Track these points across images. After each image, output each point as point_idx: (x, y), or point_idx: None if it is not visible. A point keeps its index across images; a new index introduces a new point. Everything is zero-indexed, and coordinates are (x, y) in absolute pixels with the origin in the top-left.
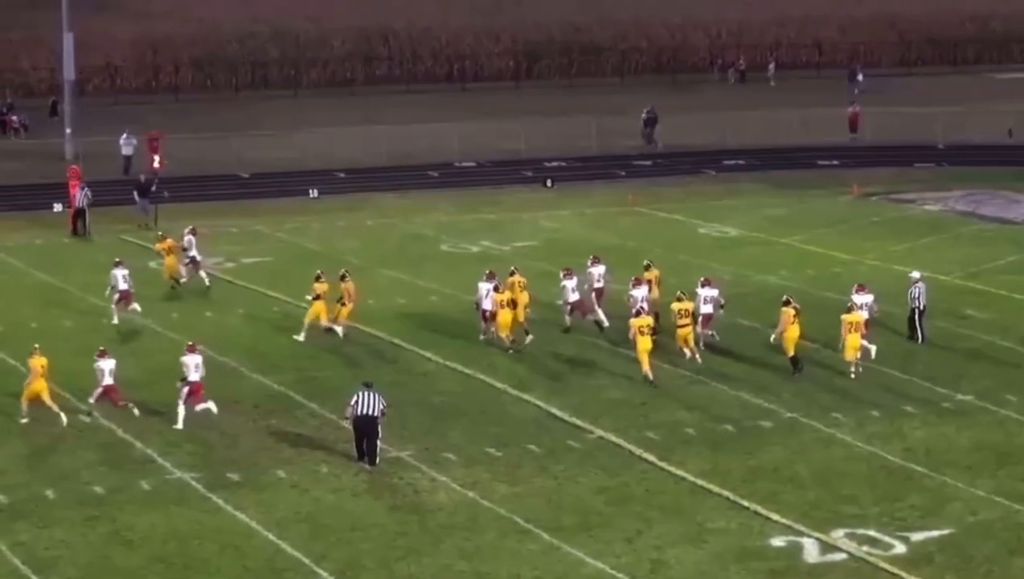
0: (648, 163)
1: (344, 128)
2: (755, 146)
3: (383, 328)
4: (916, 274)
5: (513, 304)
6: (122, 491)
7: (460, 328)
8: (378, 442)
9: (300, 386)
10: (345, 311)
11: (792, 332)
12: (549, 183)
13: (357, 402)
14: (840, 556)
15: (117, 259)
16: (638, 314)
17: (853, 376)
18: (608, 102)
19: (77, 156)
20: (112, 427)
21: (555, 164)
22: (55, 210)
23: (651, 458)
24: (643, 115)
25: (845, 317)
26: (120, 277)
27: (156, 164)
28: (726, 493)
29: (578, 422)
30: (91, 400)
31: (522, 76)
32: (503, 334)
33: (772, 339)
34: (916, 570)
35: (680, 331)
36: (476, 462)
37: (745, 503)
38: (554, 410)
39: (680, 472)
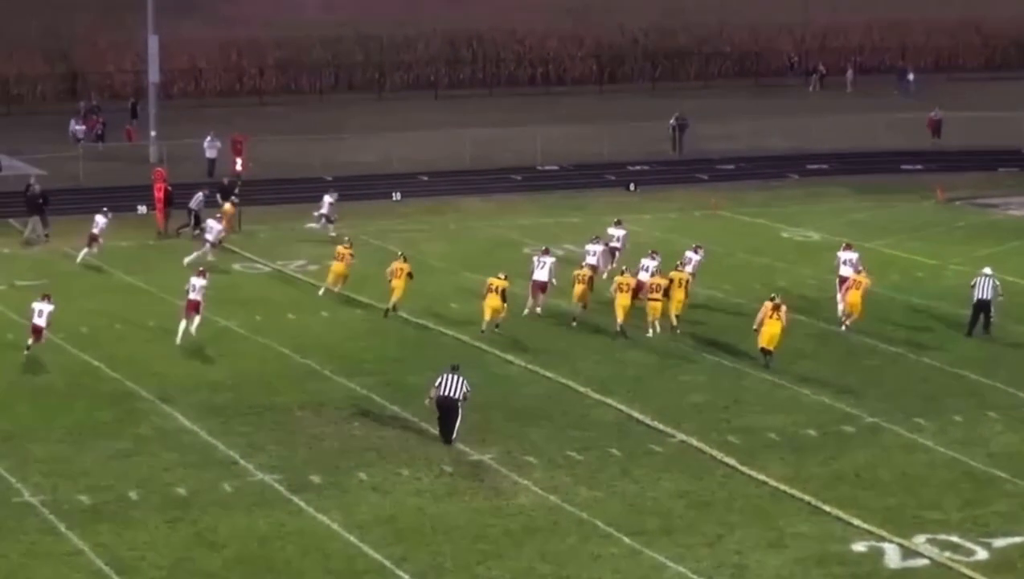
0: (731, 167)
1: (427, 131)
2: (838, 150)
3: (466, 331)
4: (988, 270)
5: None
6: (205, 493)
7: (542, 331)
8: (456, 423)
9: (383, 389)
10: (396, 290)
11: (770, 327)
12: (632, 187)
13: (441, 383)
14: (922, 562)
15: (201, 268)
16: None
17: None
18: (691, 106)
19: (161, 159)
20: (195, 429)
21: (638, 168)
22: (139, 212)
23: (732, 462)
24: (672, 121)
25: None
26: (194, 285)
27: (239, 167)
28: (807, 498)
29: (660, 426)
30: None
31: (605, 80)
32: (576, 305)
33: (754, 328)
34: (999, 576)
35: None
36: (557, 465)
37: (826, 508)
38: (635, 414)
39: (761, 477)
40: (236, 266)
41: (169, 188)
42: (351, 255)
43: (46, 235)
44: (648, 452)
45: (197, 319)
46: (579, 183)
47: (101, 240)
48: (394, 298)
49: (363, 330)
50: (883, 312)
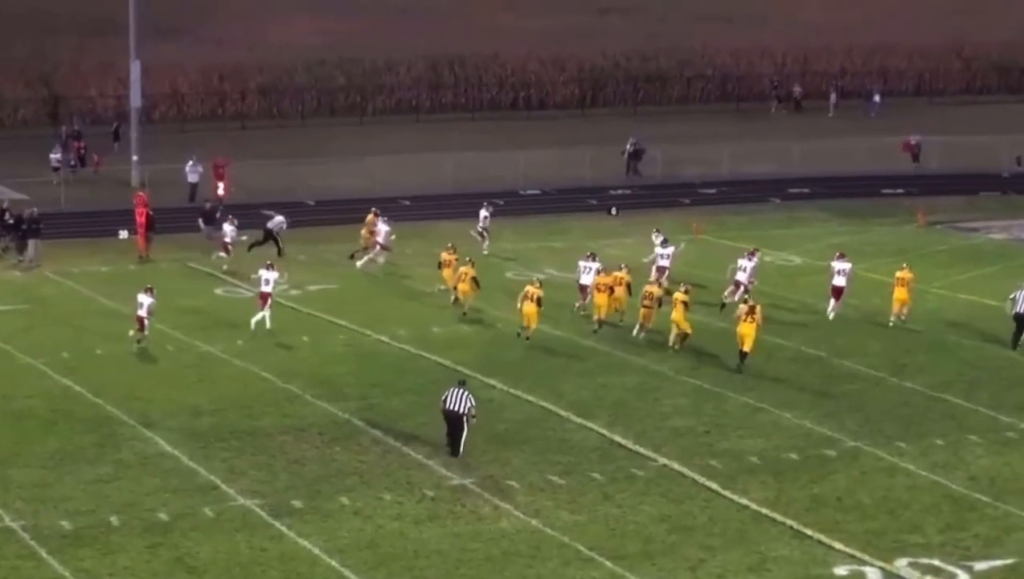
0: (713, 191)
1: (410, 155)
2: (820, 174)
3: (448, 355)
4: None
5: (611, 290)
6: (186, 518)
7: (525, 355)
8: (463, 437)
9: (364, 414)
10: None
11: (743, 329)
12: (614, 211)
13: (446, 398)
14: None
15: (269, 262)
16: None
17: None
18: (673, 130)
19: (143, 183)
20: (177, 454)
21: (620, 192)
22: (121, 237)
23: (714, 486)
24: (627, 147)
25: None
26: (267, 279)
27: (221, 191)
28: (789, 522)
29: (641, 450)
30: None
31: (587, 104)
32: (596, 314)
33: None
34: None
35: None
36: (539, 489)
37: (808, 532)
38: (617, 438)
39: (743, 500)
40: (218, 291)
41: (151, 212)
42: (455, 259)
43: (28, 260)
44: (630, 476)
45: (267, 311)
46: (561, 207)
47: (231, 248)
48: (527, 323)
49: (345, 355)
50: (864, 336)
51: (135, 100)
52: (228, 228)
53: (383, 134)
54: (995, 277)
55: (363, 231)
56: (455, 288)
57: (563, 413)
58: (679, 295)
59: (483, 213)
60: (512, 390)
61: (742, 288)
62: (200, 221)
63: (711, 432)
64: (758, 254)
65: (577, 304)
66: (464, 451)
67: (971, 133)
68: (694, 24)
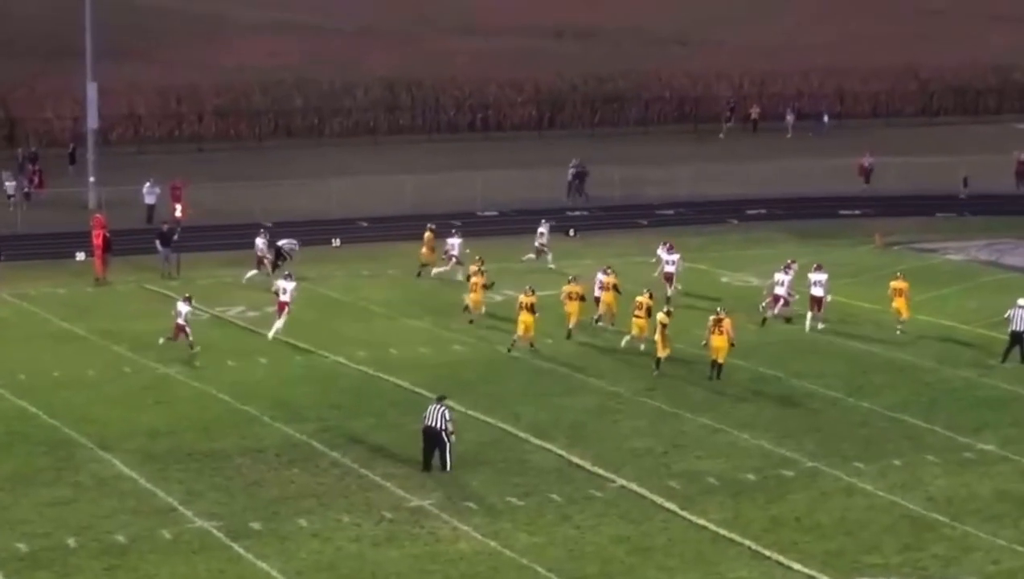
0: (671, 212)
1: (367, 177)
2: (778, 196)
3: (406, 377)
4: (1022, 301)
5: (582, 298)
6: (144, 540)
7: (483, 377)
8: (446, 453)
9: (322, 435)
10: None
11: (715, 340)
12: (572, 232)
13: (426, 414)
14: None
15: (288, 272)
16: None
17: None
18: (631, 152)
19: (100, 205)
20: (134, 476)
21: (578, 213)
22: (78, 259)
23: (673, 507)
24: (571, 169)
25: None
26: (284, 289)
27: (178, 213)
28: (748, 542)
29: (600, 471)
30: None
31: (545, 125)
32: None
33: (702, 345)
34: None
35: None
36: (498, 511)
37: (767, 552)
38: (575, 459)
39: (702, 521)
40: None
41: (107, 234)
42: (482, 273)
43: None
44: (588, 497)
45: (285, 319)
46: (519, 228)
47: (267, 261)
48: (522, 332)
49: (302, 376)
50: (822, 356)
51: (92, 122)
52: (260, 241)
53: (341, 156)
54: (952, 298)
55: (423, 249)
56: (473, 299)
57: (521, 434)
58: (661, 316)
59: (541, 229)
60: (470, 412)
61: (781, 301)
62: (157, 243)
63: (669, 453)
64: (795, 266)
65: (595, 316)
66: (451, 465)
67: (928, 154)
68: (649, 47)
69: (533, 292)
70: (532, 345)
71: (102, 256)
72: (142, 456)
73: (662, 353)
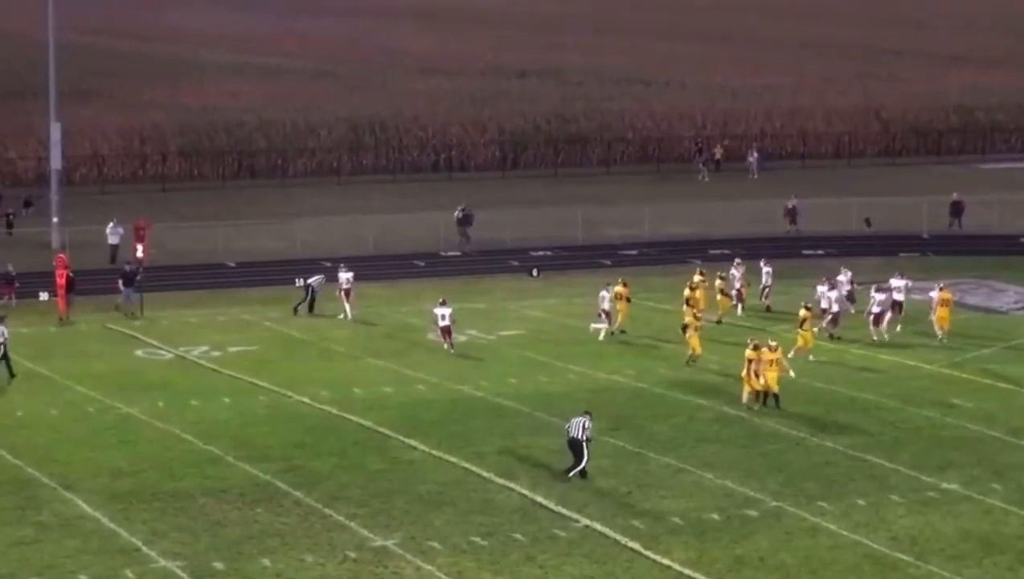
0: (634, 252)
1: (330, 217)
2: (741, 235)
3: (369, 417)
4: None
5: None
6: None
7: (446, 417)
8: (583, 462)
9: (286, 475)
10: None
11: (769, 375)
12: (535, 272)
13: (569, 426)
14: None
15: (443, 298)
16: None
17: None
18: (594, 192)
19: (64, 245)
20: (97, 516)
21: (541, 253)
22: (41, 298)
23: (637, 547)
24: (457, 213)
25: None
26: (443, 314)
27: (140, 253)
28: None
29: (564, 511)
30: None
31: (508, 166)
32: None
33: (743, 375)
34: None
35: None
36: (461, 551)
37: None
38: (539, 499)
39: (666, 561)
40: (138, 352)
41: (71, 274)
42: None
43: None
44: (552, 537)
45: (349, 304)
46: (482, 268)
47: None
48: (618, 322)
49: (266, 416)
50: (786, 395)
51: (55, 162)
52: (343, 276)
53: (304, 196)
54: (915, 337)
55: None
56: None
57: (485, 474)
58: (749, 353)
59: (603, 293)
60: (434, 451)
61: (830, 316)
62: (120, 283)
63: (633, 493)
64: (837, 277)
65: (612, 327)
66: (574, 475)
67: (890, 194)
68: (611, 87)
69: (626, 285)
70: (624, 331)
71: (65, 296)
72: (105, 496)
73: (758, 386)
